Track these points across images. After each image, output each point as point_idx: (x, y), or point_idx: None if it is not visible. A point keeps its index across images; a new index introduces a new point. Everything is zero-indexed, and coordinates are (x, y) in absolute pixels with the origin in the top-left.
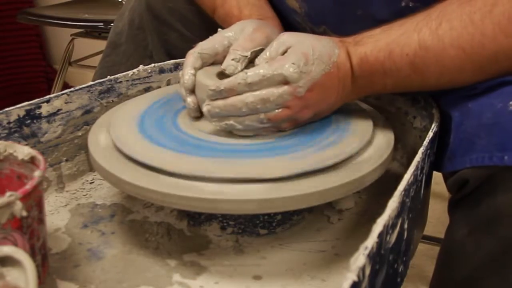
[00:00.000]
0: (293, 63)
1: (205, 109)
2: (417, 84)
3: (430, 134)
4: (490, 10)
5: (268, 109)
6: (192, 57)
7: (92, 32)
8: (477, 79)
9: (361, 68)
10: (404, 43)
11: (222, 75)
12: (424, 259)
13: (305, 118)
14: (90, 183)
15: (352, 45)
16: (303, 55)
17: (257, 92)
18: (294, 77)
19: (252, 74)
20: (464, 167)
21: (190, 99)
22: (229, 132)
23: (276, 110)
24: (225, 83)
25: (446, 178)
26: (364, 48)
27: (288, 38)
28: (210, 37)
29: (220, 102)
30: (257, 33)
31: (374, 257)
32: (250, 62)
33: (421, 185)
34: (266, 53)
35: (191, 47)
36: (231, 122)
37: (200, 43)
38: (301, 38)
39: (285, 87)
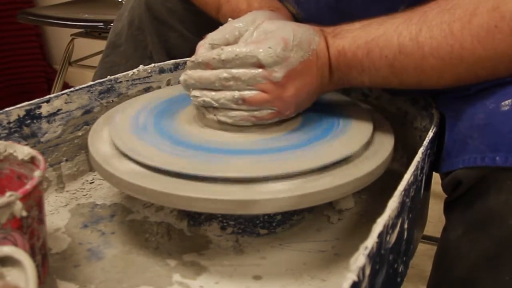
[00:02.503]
0: (269, 47)
1: (181, 78)
2: (396, 84)
3: (430, 134)
4: (469, 20)
5: (240, 88)
6: (203, 49)
7: (92, 32)
8: (455, 85)
9: (338, 61)
10: (384, 45)
11: None
12: (424, 259)
13: (286, 108)
14: (90, 183)
15: (331, 37)
16: (282, 40)
17: (231, 70)
18: (268, 61)
19: (226, 51)
20: (457, 167)
21: None
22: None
23: (252, 91)
24: (202, 56)
25: (442, 179)
26: (343, 42)
27: (269, 25)
28: (220, 27)
29: (196, 74)
30: None
31: (374, 257)
32: None
33: (421, 185)
34: (247, 41)
35: (191, 47)
36: (208, 99)
37: (210, 34)
38: (281, 25)
39: (260, 70)
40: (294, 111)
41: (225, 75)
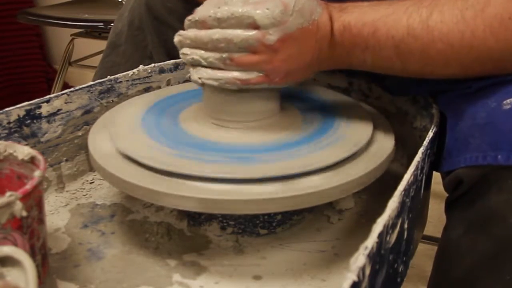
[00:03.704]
0: (267, 8)
1: (176, 39)
2: (398, 68)
3: (430, 134)
4: (482, 9)
5: (231, 50)
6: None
7: (92, 32)
8: (459, 75)
9: (342, 36)
10: (392, 25)
11: None
12: (424, 259)
13: (275, 73)
14: (90, 183)
15: (337, 11)
16: (281, 3)
17: (224, 30)
18: (264, 22)
19: (222, 9)
20: (458, 166)
21: None
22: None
23: (243, 53)
24: (199, 14)
25: (443, 178)
26: (349, 17)
27: None
28: (206, 1)
29: (190, 33)
30: None
31: (374, 257)
32: None
33: (421, 185)
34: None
35: None
36: (197, 57)
37: (198, 8)
38: None
39: (254, 32)
40: (283, 79)
41: (217, 36)
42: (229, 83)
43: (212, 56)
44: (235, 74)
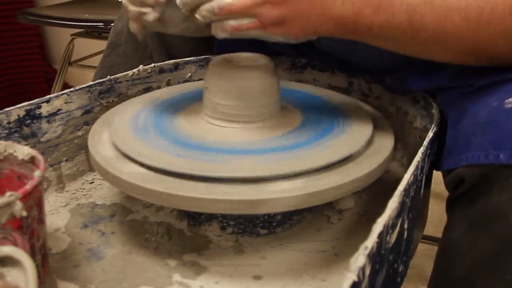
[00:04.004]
0: None
1: None
2: (407, 39)
3: (430, 134)
4: None
5: None
6: None
7: (92, 32)
8: (469, 54)
9: None
10: None
11: None
12: (424, 259)
13: (269, 17)
14: (90, 183)
15: None
16: None
17: None
18: None
19: None
20: (460, 165)
21: None
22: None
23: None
24: None
25: (444, 177)
26: None
27: None
28: None
29: None
30: None
31: (374, 257)
32: None
33: (421, 185)
34: None
35: (191, 47)
36: (196, 14)
37: None
38: None
39: None
40: (278, 26)
41: None
42: (220, 31)
43: (204, 8)
44: (226, 21)
